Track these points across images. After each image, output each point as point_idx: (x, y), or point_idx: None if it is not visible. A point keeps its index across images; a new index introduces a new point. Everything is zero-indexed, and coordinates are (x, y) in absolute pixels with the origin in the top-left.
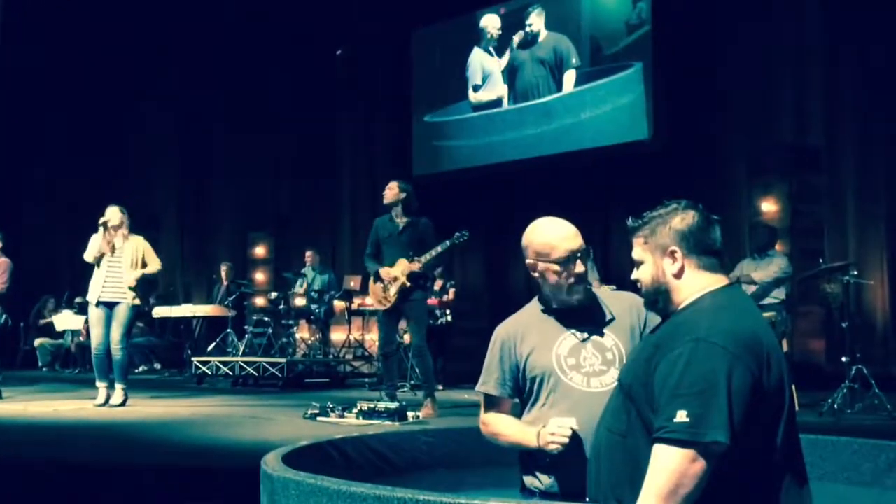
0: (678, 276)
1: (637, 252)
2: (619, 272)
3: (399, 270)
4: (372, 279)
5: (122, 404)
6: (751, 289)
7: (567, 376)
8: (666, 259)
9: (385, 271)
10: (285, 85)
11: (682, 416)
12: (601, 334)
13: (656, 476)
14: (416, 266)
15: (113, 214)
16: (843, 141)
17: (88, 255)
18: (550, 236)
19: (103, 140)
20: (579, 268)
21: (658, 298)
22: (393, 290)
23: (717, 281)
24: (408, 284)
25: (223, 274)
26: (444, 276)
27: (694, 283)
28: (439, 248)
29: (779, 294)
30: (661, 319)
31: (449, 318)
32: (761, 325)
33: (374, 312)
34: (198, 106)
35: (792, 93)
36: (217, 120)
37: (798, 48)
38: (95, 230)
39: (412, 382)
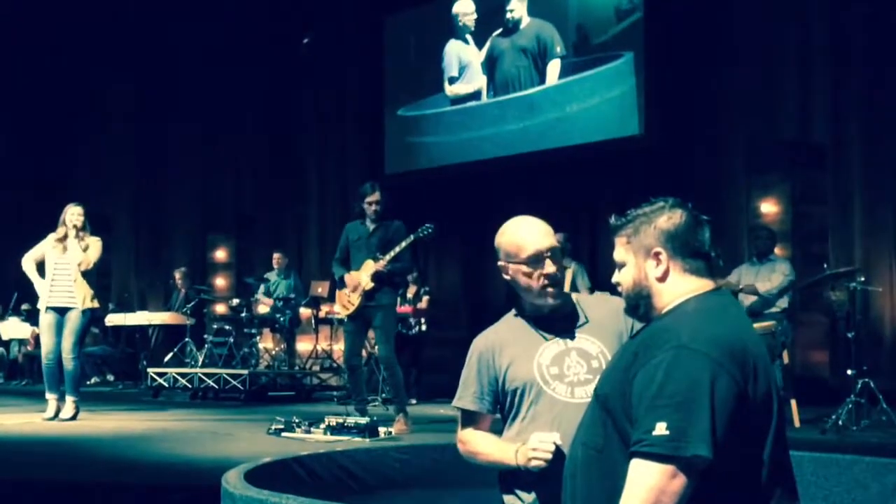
0: (662, 279)
1: (619, 252)
2: (608, 277)
3: (364, 273)
4: (338, 285)
5: (73, 418)
6: (750, 299)
7: (550, 386)
8: (649, 261)
9: (350, 276)
10: (248, 76)
11: (661, 429)
12: (586, 341)
13: (633, 493)
14: (381, 265)
15: (78, 216)
16: (849, 137)
17: (28, 260)
18: (518, 235)
19: (52, 137)
20: (549, 268)
21: (639, 303)
22: (356, 293)
23: (702, 286)
24: (371, 285)
25: (178, 280)
26: (419, 283)
27: (678, 288)
28: (403, 244)
29: (781, 303)
30: (643, 325)
31: (423, 327)
32: (748, 332)
33: (344, 321)
34: (154, 100)
35: (795, 85)
36: (174, 114)
37: (801, 37)
38: (43, 231)
39: (383, 396)
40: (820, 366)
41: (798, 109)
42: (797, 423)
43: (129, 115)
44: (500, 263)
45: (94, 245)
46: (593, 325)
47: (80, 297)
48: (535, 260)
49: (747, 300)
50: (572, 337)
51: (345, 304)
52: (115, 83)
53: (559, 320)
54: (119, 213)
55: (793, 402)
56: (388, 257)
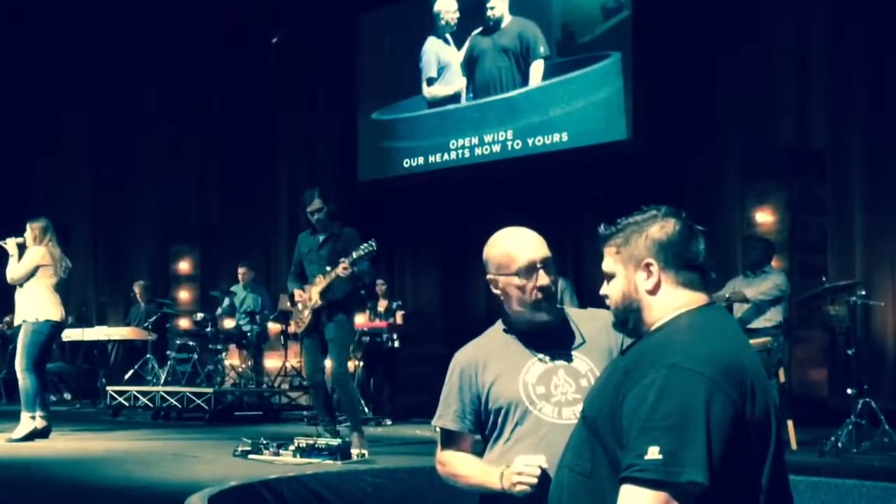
0: (652, 292)
1: (608, 263)
2: (592, 290)
3: (315, 289)
4: (290, 301)
5: (28, 438)
6: (741, 309)
7: (536, 407)
8: (640, 272)
9: (299, 293)
10: (214, 78)
11: (653, 453)
12: (574, 358)
13: None
14: (327, 282)
15: (28, 230)
16: (849, 143)
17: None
18: (510, 246)
19: (6, 142)
20: (543, 279)
21: (629, 317)
22: (307, 310)
23: (696, 299)
24: (320, 303)
25: (138, 293)
26: (388, 296)
27: (670, 301)
28: (346, 261)
29: (775, 317)
30: (633, 341)
31: (396, 343)
32: (744, 349)
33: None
34: (114, 102)
35: (792, 88)
36: (136, 116)
37: (799, 38)
38: None
39: None
40: (818, 384)
41: (795, 113)
42: (794, 446)
43: (88, 120)
44: (489, 277)
45: (26, 255)
46: (583, 342)
47: (19, 311)
48: (528, 271)
49: (738, 311)
50: (563, 356)
51: (297, 321)
52: (74, 86)
53: (549, 336)
54: (77, 222)
55: (789, 423)
56: (329, 278)
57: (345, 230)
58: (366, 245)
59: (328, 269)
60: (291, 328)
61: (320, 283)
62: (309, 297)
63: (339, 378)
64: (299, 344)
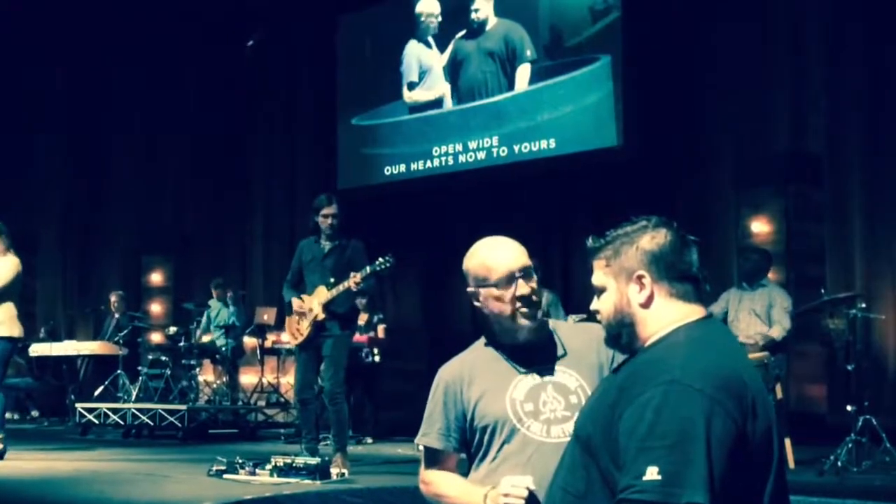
0: (646, 305)
1: (598, 277)
2: (582, 303)
3: (316, 300)
4: (287, 311)
5: None
6: (739, 322)
7: (524, 425)
8: (632, 285)
9: (298, 301)
10: (188, 81)
11: (652, 474)
12: (564, 374)
13: None
14: (333, 294)
15: None
16: (848, 149)
17: None
18: (487, 257)
19: None
20: (522, 288)
21: (622, 332)
22: (306, 321)
23: (692, 312)
24: (323, 315)
25: (113, 305)
26: (368, 309)
27: (664, 315)
28: (358, 277)
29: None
30: (626, 357)
31: (377, 357)
32: (744, 364)
33: (292, 351)
34: (87, 108)
35: (788, 91)
36: (108, 123)
37: (795, 39)
38: None
39: None
40: (817, 401)
41: (791, 117)
42: (792, 464)
43: (59, 125)
44: (469, 289)
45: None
46: (571, 357)
47: None
48: (507, 281)
49: (732, 326)
50: (551, 372)
51: (294, 332)
52: (46, 90)
53: (535, 351)
54: (46, 231)
55: (787, 441)
56: (336, 290)
57: (352, 242)
58: (382, 260)
59: (332, 280)
60: (273, 339)
61: (322, 294)
62: (310, 307)
63: (334, 395)
64: (277, 358)
